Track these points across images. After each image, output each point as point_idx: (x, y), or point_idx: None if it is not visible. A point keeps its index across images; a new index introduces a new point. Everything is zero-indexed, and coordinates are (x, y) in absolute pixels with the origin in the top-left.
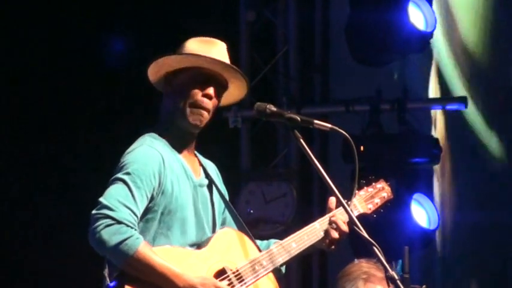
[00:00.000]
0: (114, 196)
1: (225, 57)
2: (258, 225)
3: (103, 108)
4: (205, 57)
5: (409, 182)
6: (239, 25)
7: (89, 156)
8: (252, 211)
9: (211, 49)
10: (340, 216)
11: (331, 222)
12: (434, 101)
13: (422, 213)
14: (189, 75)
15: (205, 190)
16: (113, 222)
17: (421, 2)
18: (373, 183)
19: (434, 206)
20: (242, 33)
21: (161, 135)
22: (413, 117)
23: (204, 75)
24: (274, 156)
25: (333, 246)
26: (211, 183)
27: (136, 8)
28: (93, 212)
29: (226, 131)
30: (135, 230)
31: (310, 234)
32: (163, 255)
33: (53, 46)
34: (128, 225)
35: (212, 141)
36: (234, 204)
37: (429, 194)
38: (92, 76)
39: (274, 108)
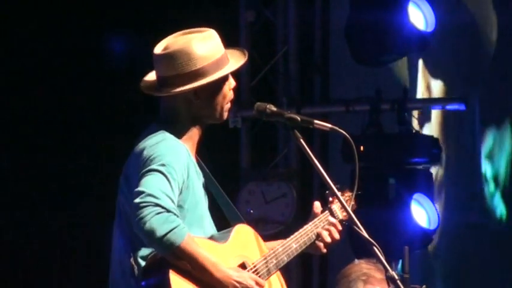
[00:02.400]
0: (155, 186)
1: (221, 44)
2: (258, 225)
3: (103, 108)
4: (235, 67)
5: (409, 182)
6: (239, 25)
7: (88, 156)
8: (252, 211)
9: (220, 46)
10: (334, 221)
11: (325, 227)
12: (434, 101)
13: (422, 213)
14: (222, 82)
15: (203, 184)
16: (162, 210)
17: (421, 2)
18: (342, 192)
19: (434, 206)
20: (242, 33)
21: (174, 132)
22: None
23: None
24: (274, 156)
25: (324, 250)
26: (206, 176)
27: (136, 8)
28: (137, 200)
29: (226, 131)
30: (180, 218)
31: (305, 235)
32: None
33: (53, 46)
34: (175, 214)
35: (212, 141)
36: (234, 204)
37: (429, 194)
38: (92, 76)
39: (274, 108)
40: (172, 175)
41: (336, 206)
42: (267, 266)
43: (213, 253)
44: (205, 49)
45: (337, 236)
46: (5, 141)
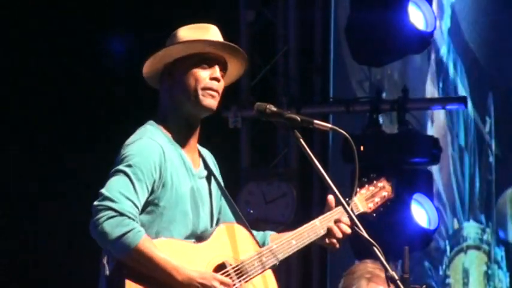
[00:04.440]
0: (115, 188)
1: (221, 39)
2: (258, 225)
3: (103, 108)
4: (209, 41)
5: (409, 182)
6: (239, 25)
7: (88, 156)
8: (252, 211)
9: (206, 33)
10: (344, 218)
11: (336, 221)
12: (434, 101)
13: (422, 213)
14: (193, 61)
15: (204, 181)
16: (115, 214)
17: (421, 2)
18: (375, 182)
19: (434, 206)
20: (242, 33)
21: (163, 126)
22: (414, 118)
23: (208, 59)
24: (274, 156)
25: (337, 246)
26: (210, 174)
27: (136, 8)
28: (95, 203)
29: (226, 131)
30: (137, 222)
31: (311, 232)
32: (164, 248)
33: (53, 46)
34: (130, 218)
35: (212, 141)
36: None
37: (429, 194)
38: (92, 76)
39: (274, 108)
40: (137, 176)
41: (357, 199)
42: (253, 265)
43: (184, 254)
44: (190, 33)
45: (348, 230)
46: (4, 139)
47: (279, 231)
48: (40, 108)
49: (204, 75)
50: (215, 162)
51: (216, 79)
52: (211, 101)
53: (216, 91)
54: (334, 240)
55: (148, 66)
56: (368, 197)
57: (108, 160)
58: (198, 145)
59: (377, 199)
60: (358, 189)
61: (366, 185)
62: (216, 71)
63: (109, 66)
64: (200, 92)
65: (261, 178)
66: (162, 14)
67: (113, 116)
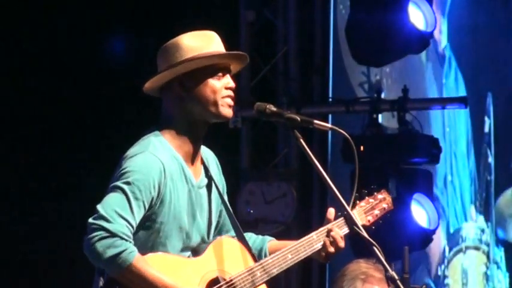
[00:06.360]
0: (111, 206)
1: (221, 44)
2: (258, 225)
3: (102, 108)
4: (231, 53)
5: (409, 182)
6: (239, 25)
7: (88, 157)
8: (252, 211)
9: (211, 41)
10: (338, 231)
11: (329, 235)
12: (434, 101)
13: (422, 213)
14: (208, 72)
15: (204, 190)
16: (107, 234)
17: (421, 2)
18: (375, 193)
19: (434, 206)
20: (242, 33)
21: (167, 135)
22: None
23: (221, 69)
24: (274, 156)
25: (325, 260)
26: (210, 182)
27: (136, 8)
28: (90, 220)
29: (226, 131)
30: (130, 242)
31: (307, 246)
32: (158, 263)
33: (53, 46)
34: (122, 238)
35: (212, 141)
36: (234, 204)
37: (429, 194)
38: (92, 76)
39: (274, 108)
40: (135, 194)
41: (356, 212)
42: (247, 280)
43: (177, 270)
44: (195, 42)
45: (341, 244)
46: (4, 138)
47: (279, 231)
48: (39, 108)
49: (219, 85)
50: (218, 163)
51: (232, 89)
52: (229, 111)
53: (233, 100)
54: (323, 254)
55: (156, 81)
56: (367, 210)
57: (107, 161)
58: (202, 147)
59: (376, 211)
60: (358, 202)
61: (366, 197)
62: (230, 80)
63: (109, 66)
64: (220, 102)
65: (261, 178)
66: (162, 14)
67: (113, 116)
